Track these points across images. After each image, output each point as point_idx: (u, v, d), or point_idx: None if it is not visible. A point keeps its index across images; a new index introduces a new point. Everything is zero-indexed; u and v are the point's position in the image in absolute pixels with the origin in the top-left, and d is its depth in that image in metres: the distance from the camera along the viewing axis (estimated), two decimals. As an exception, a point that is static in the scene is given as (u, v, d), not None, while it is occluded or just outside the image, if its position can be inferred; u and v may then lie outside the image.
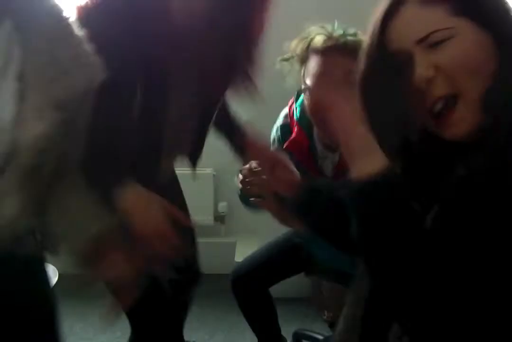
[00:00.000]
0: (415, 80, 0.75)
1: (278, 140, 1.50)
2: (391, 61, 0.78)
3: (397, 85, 0.77)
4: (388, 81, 0.78)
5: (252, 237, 2.42)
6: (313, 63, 1.33)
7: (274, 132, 1.53)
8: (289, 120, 1.48)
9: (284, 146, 1.45)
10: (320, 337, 1.87)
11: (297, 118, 1.45)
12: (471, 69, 0.73)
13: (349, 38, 1.31)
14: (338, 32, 1.33)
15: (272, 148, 1.51)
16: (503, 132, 0.69)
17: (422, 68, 0.75)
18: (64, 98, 0.79)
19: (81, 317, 2.21)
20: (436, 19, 0.74)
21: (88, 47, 0.86)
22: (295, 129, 1.45)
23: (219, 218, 2.74)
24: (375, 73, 0.80)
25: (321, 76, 1.31)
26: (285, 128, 1.49)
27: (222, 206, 2.71)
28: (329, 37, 1.32)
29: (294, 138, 1.44)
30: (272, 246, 1.70)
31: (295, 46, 1.37)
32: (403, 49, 0.76)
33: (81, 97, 0.82)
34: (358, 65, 0.81)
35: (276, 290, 1.70)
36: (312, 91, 1.33)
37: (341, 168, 1.38)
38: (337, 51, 1.31)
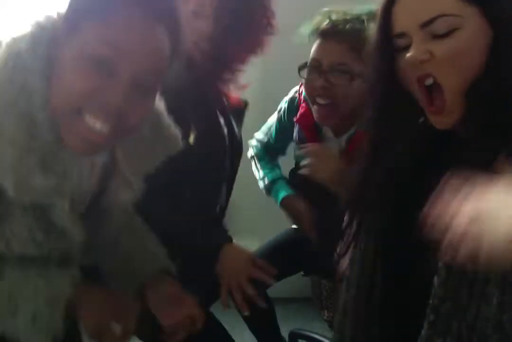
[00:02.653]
0: (404, 61, 0.74)
1: (284, 111, 1.56)
2: (390, 45, 0.77)
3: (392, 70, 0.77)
4: (386, 66, 0.78)
5: (252, 237, 2.42)
6: (314, 45, 1.35)
7: (283, 103, 1.58)
8: (297, 95, 1.52)
9: (295, 120, 1.48)
10: (317, 337, 1.85)
11: (304, 94, 1.46)
12: (463, 63, 0.72)
13: (349, 25, 1.29)
14: (341, 17, 1.31)
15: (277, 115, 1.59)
16: (487, 124, 0.70)
17: (418, 51, 0.73)
18: (148, 170, 0.91)
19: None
20: (444, 2, 0.72)
21: (168, 118, 0.93)
22: (302, 104, 1.47)
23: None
24: (376, 56, 0.79)
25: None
26: (292, 102, 1.53)
27: (222, 206, 2.70)
28: (329, 21, 1.31)
29: (303, 112, 1.46)
30: (269, 246, 1.70)
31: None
32: (405, 32, 0.74)
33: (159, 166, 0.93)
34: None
35: (276, 290, 1.69)
36: None
37: (348, 153, 1.39)
38: (333, 37, 1.30)
